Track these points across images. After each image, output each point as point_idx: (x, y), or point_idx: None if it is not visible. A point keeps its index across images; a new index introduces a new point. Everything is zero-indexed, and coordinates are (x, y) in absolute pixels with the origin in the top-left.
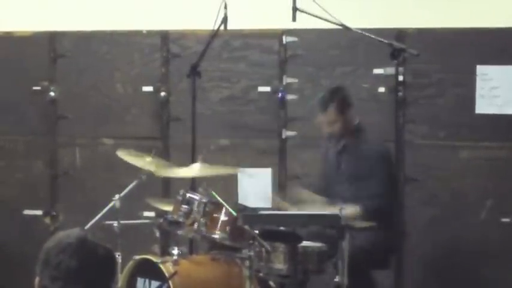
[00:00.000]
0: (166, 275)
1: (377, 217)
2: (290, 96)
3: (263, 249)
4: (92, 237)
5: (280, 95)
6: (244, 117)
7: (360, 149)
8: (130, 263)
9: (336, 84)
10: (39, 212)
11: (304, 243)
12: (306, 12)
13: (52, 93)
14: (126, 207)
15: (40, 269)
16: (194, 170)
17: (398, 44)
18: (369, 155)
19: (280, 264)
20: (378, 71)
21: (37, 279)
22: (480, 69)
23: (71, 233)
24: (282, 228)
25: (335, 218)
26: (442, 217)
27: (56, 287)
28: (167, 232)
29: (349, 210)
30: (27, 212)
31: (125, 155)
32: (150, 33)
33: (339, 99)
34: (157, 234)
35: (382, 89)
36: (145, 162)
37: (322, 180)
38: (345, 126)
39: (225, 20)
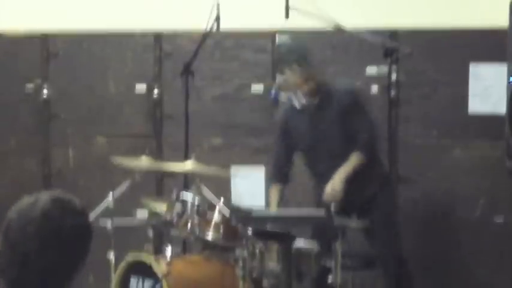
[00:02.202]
0: (159, 274)
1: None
2: (282, 95)
3: (256, 249)
4: (62, 204)
5: (273, 94)
6: (237, 116)
7: (332, 100)
8: (124, 263)
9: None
10: None
11: (298, 243)
12: (298, 10)
13: (45, 93)
14: (120, 207)
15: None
16: (187, 167)
17: (391, 43)
18: (342, 100)
19: (273, 264)
20: (370, 70)
21: None
22: (473, 68)
23: (37, 202)
24: (276, 228)
25: (327, 218)
26: (435, 216)
27: (10, 275)
28: (160, 232)
29: (348, 165)
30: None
31: (119, 159)
32: (144, 33)
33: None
34: (151, 234)
35: (375, 88)
36: (139, 162)
37: (284, 153)
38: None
39: (217, 20)
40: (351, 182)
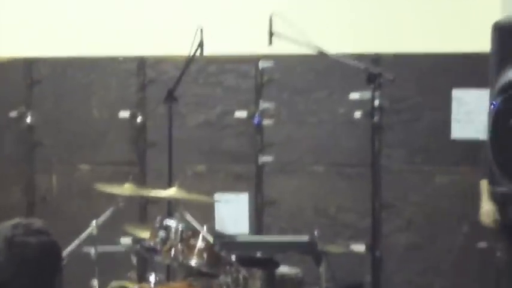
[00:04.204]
0: None
1: None
2: (266, 121)
3: (240, 276)
4: (23, 227)
5: (256, 120)
6: (220, 142)
7: None
8: None
9: None
10: None
11: (281, 269)
12: (281, 36)
13: (28, 119)
14: (103, 234)
15: None
16: (171, 193)
17: (374, 69)
18: None
19: None
20: (353, 95)
21: None
22: (455, 93)
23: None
24: (259, 254)
25: (310, 244)
26: (419, 242)
27: None
28: (144, 258)
29: None
30: None
31: (102, 186)
32: (127, 59)
33: None
34: (135, 260)
35: (358, 114)
36: (122, 189)
37: None
38: None
39: (201, 45)
40: None
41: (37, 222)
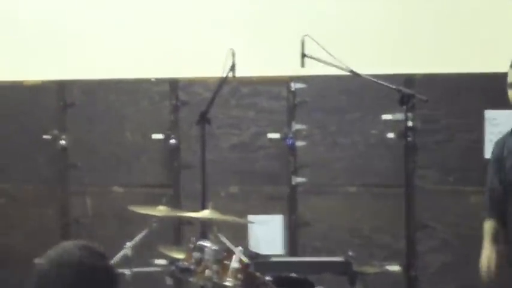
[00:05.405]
0: None
1: None
2: (299, 143)
3: None
4: (90, 249)
5: (288, 141)
6: (253, 163)
7: None
8: None
9: None
10: None
11: None
12: (314, 58)
13: (62, 142)
14: (138, 256)
15: None
16: (204, 215)
17: (407, 90)
18: None
19: None
20: (386, 116)
21: None
22: (488, 113)
23: (68, 251)
24: (294, 275)
25: (345, 264)
26: (453, 263)
27: None
28: (179, 280)
29: None
30: (37, 260)
31: (136, 208)
32: (159, 81)
33: None
34: (169, 281)
35: (391, 135)
36: (156, 211)
37: (499, 184)
38: None
39: (233, 67)
40: None
41: (97, 246)
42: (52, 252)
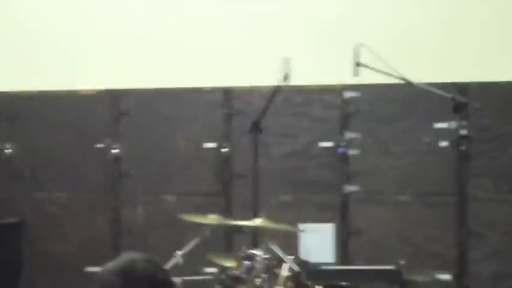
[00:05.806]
0: None
1: None
2: (352, 151)
3: None
4: (152, 262)
5: (341, 150)
6: (306, 172)
7: None
8: None
9: None
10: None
11: None
12: (367, 67)
13: (115, 151)
14: (189, 264)
15: None
16: (256, 223)
17: (461, 98)
18: None
19: None
20: (439, 125)
21: None
22: None
23: (134, 262)
24: (345, 283)
25: (396, 273)
26: (506, 272)
27: None
28: None
29: None
30: (89, 269)
31: (188, 216)
32: (213, 90)
33: None
34: None
35: (444, 143)
36: (208, 219)
37: None
38: None
39: (286, 76)
40: None
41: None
42: (116, 264)
